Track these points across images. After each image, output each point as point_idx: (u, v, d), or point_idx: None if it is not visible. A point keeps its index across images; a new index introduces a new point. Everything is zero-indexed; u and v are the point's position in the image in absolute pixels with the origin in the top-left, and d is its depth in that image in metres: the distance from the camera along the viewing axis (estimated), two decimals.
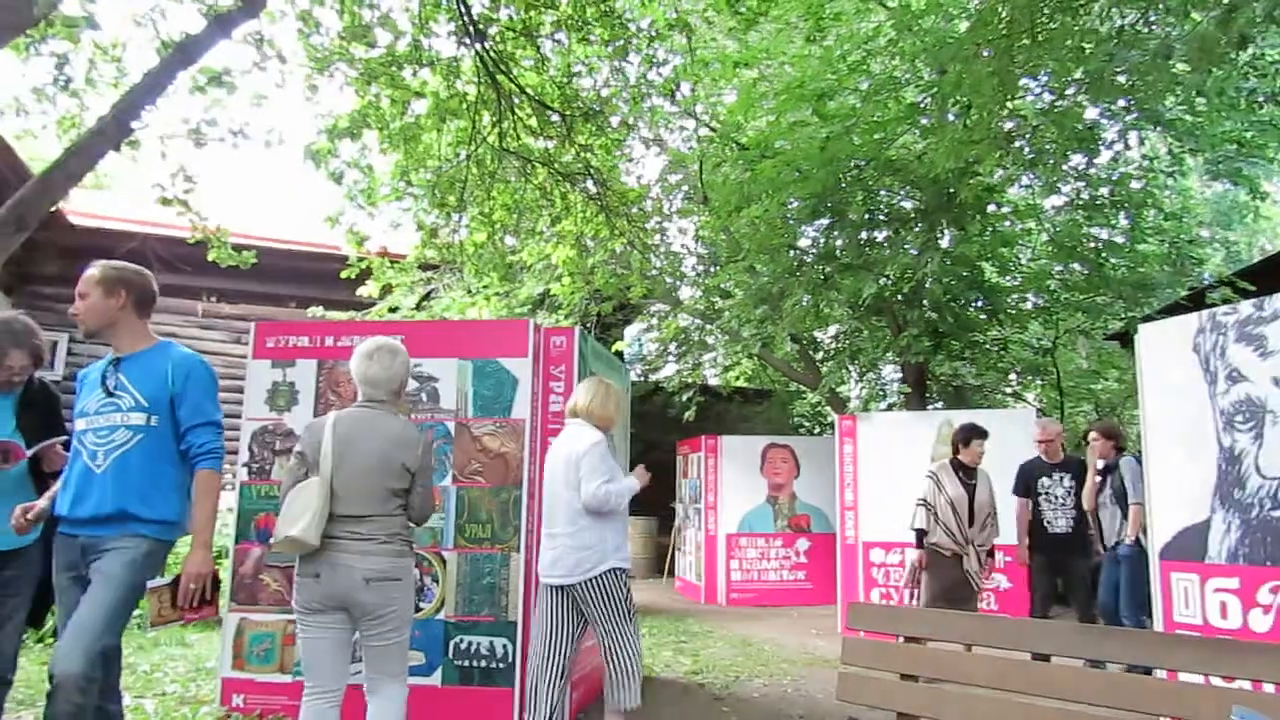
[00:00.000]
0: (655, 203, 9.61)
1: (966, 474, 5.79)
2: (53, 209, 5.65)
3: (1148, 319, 6.35)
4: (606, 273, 9.02)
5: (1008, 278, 10.00)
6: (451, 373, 4.75)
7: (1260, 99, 7.95)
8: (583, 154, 6.77)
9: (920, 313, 8.60)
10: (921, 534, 5.74)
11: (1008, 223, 9.43)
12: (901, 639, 2.83)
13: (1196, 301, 7.13)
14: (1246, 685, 2.50)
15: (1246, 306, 3.88)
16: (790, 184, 7.77)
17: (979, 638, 2.81)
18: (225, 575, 4.43)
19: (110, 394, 2.97)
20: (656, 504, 11.07)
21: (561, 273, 8.84)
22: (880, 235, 9.07)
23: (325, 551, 2.94)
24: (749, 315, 9.21)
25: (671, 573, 11.64)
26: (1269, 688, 2.30)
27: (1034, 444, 6.30)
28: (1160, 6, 5.22)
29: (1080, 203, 9.03)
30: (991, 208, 9.01)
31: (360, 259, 8.25)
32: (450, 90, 6.45)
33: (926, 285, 8.23)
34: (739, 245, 9.08)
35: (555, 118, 6.52)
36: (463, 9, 5.77)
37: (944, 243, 8.49)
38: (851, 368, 11.45)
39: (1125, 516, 5.77)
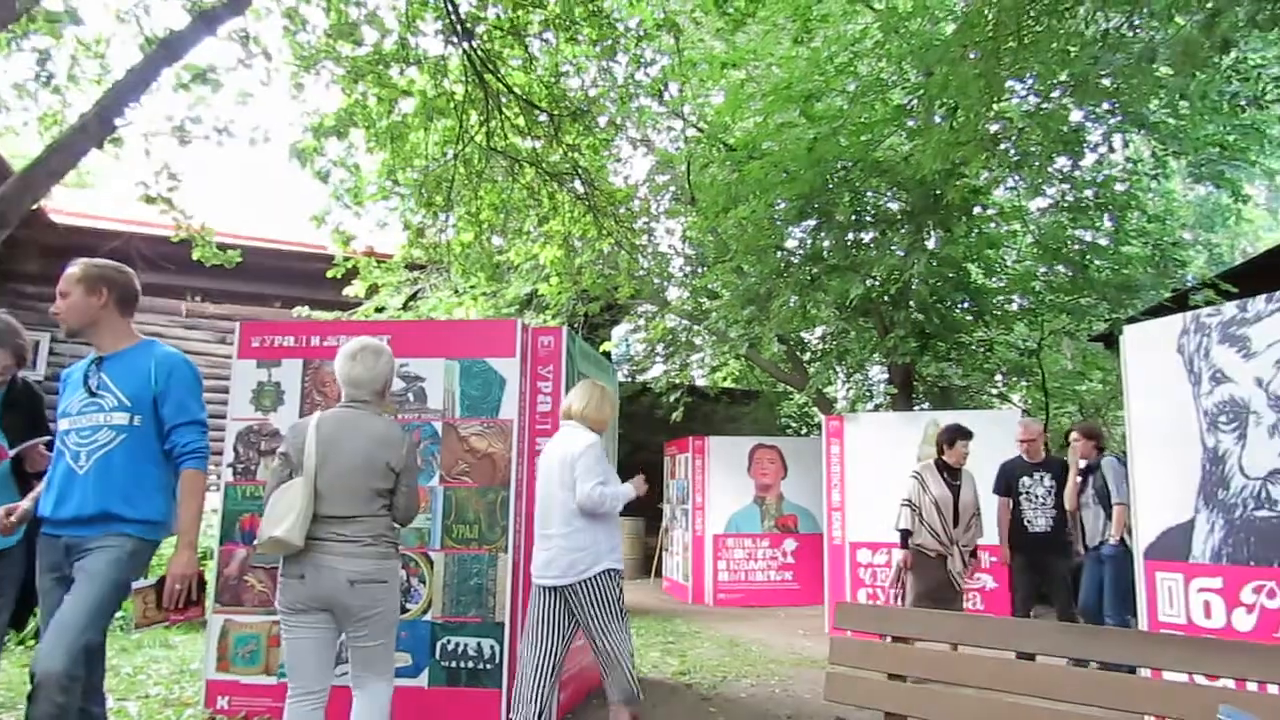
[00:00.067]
0: (643, 203, 9.60)
1: (951, 474, 5.82)
2: (34, 207, 5.60)
3: (1132, 320, 6.39)
4: (594, 273, 9.01)
5: (993, 279, 10.05)
6: (439, 373, 4.73)
7: (1243, 103, 8.02)
8: (570, 154, 6.76)
9: (907, 314, 8.63)
10: (906, 534, 5.77)
11: (993, 224, 9.48)
12: (889, 639, 2.84)
13: (1180, 303, 7.18)
14: (1230, 684, 2.53)
15: (1230, 308, 3.91)
16: (777, 185, 7.78)
17: (966, 637, 2.82)
18: (210, 576, 4.41)
19: (92, 394, 2.94)
20: (644, 505, 11.00)
21: (549, 273, 8.83)
22: (867, 236, 9.10)
23: (310, 553, 2.93)
24: (736, 316, 9.22)
25: (659, 573, 11.64)
26: (1252, 686, 2.32)
27: (1016, 443, 6.35)
28: (1144, 10, 5.26)
29: (1065, 205, 9.08)
30: (977, 209, 9.05)
31: (346, 258, 8.21)
32: (437, 89, 6.42)
33: (913, 286, 8.26)
34: (726, 246, 9.09)
35: (543, 117, 6.51)
36: (450, 7, 5.75)
37: (930, 244, 8.53)
38: (838, 369, 11.48)
39: (1108, 516, 5.81)
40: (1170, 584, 3.96)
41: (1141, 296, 8.84)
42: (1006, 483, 6.25)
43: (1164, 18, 5.12)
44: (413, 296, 9.72)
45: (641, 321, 12.11)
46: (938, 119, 7.72)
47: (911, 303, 8.68)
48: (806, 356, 11.76)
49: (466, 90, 6.25)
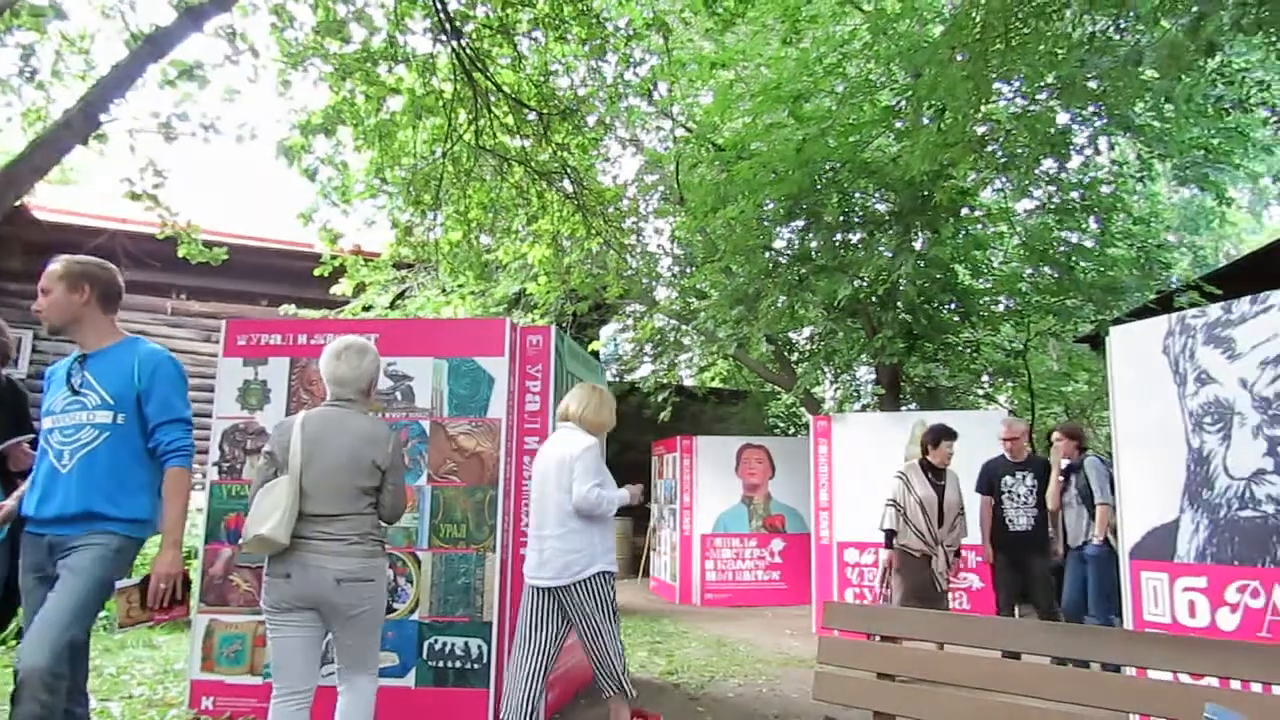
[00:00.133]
0: (632, 203, 9.59)
1: (935, 475, 5.85)
2: (18, 203, 5.55)
3: (1117, 322, 6.43)
4: (582, 272, 9.00)
5: (980, 280, 10.09)
6: (427, 371, 4.71)
7: (1227, 106, 8.09)
8: (559, 153, 6.75)
9: (894, 314, 8.66)
10: (891, 534, 5.79)
11: (980, 226, 9.52)
12: (877, 638, 2.84)
13: (1165, 305, 7.23)
14: (1215, 682, 2.54)
15: (1215, 309, 3.94)
16: (766, 185, 7.78)
17: (954, 636, 2.83)
18: (195, 576, 4.38)
19: (76, 392, 2.91)
20: (632, 505, 11.05)
21: (537, 272, 8.81)
22: (855, 237, 9.12)
23: (296, 551, 2.91)
24: (724, 316, 9.22)
25: (646, 573, 11.64)
26: (1236, 684, 2.34)
27: (999, 442, 6.38)
28: (1131, 14, 5.29)
29: (1051, 206, 9.13)
30: (965, 211, 9.09)
31: (334, 257, 8.17)
32: (426, 87, 6.40)
33: (901, 287, 8.28)
34: (715, 246, 9.09)
35: (532, 116, 6.49)
36: (439, 5, 5.73)
37: (918, 245, 8.55)
38: (826, 369, 11.50)
39: (1091, 516, 5.85)
40: (1155, 583, 3.99)
41: (1127, 298, 8.90)
42: (989, 481, 6.28)
43: (1150, 21, 5.15)
44: (400, 295, 9.68)
45: (630, 321, 12.11)
46: (926, 120, 7.74)
47: (899, 303, 8.70)
48: (794, 356, 11.79)
49: (455, 88, 6.23)
